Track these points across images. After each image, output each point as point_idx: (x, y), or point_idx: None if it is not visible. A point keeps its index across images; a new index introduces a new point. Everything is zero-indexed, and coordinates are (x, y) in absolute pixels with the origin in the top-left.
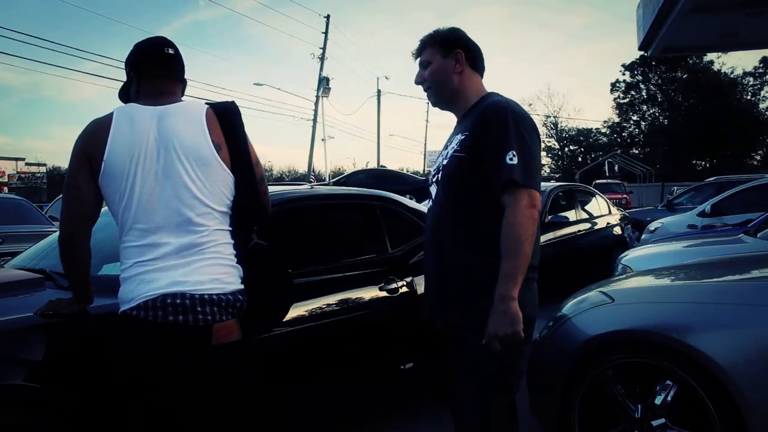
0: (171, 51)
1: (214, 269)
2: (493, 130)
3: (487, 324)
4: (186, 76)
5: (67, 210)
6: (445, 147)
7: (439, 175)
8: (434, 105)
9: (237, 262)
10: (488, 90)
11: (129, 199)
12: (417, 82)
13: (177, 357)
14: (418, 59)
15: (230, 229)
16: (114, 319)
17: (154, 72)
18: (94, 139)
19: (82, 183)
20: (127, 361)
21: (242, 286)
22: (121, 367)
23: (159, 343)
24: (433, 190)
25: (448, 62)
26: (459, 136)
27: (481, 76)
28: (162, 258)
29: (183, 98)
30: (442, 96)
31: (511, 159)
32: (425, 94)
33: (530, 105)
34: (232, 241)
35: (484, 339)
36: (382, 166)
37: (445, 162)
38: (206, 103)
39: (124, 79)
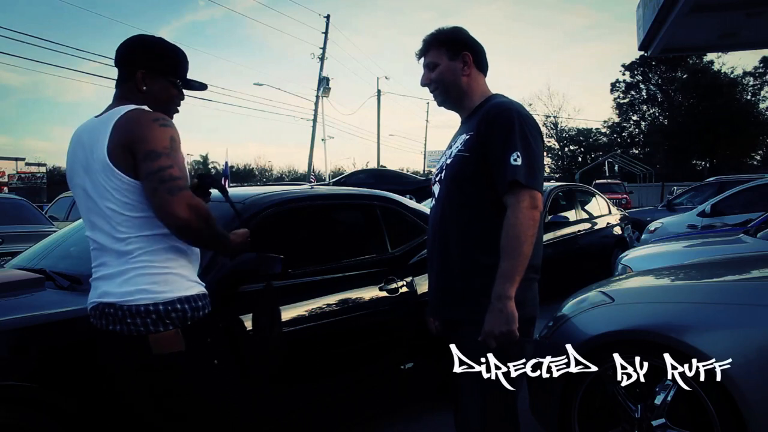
0: (115, 58)
1: (142, 279)
2: (498, 131)
3: (483, 322)
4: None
5: None
6: (449, 147)
7: (443, 174)
8: (440, 105)
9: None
10: (489, 90)
11: (79, 207)
12: (423, 84)
13: (123, 363)
14: (423, 60)
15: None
16: None
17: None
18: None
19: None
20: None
21: (189, 293)
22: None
23: (107, 349)
24: (436, 189)
25: (456, 64)
26: (464, 136)
27: (485, 75)
28: (101, 266)
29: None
30: (450, 97)
31: (515, 160)
32: (431, 94)
33: (530, 105)
34: (172, 245)
35: (479, 336)
36: (382, 166)
37: (449, 161)
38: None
39: None
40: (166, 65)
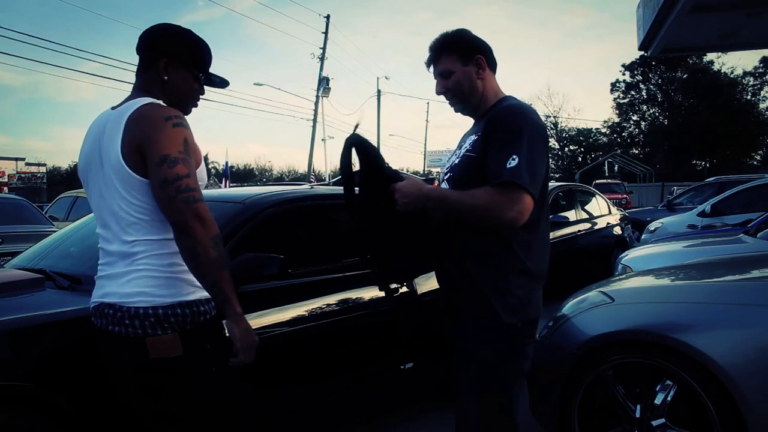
0: (138, 45)
1: (143, 282)
2: (500, 133)
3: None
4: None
5: None
6: (459, 146)
7: (451, 174)
8: (457, 111)
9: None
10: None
11: (90, 202)
12: (439, 93)
13: (120, 364)
14: (434, 68)
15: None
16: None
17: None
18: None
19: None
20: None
21: (190, 298)
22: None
23: (105, 349)
24: (444, 188)
25: (470, 69)
26: (473, 137)
27: (495, 74)
28: (105, 265)
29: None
30: (469, 103)
31: (510, 163)
32: (448, 102)
33: (530, 105)
34: (176, 250)
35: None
36: None
37: (457, 161)
38: (145, 104)
39: (124, 78)
40: (190, 56)
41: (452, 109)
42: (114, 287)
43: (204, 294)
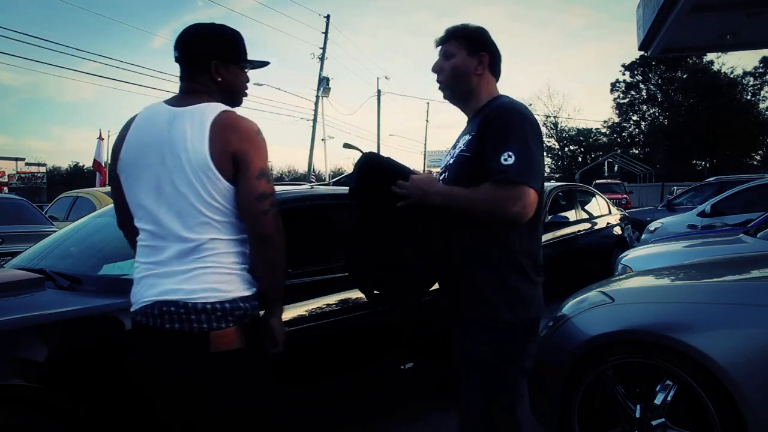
0: (176, 54)
1: (210, 278)
2: (494, 130)
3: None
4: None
5: (114, 202)
6: (454, 146)
7: (446, 174)
8: (446, 99)
9: (249, 270)
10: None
11: (137, 197)
12: (434, 70)
13: (175, 363)
14: (441, 48)
15: (239, 237)
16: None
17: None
18: (120, 134)
19: (112, 176)
20: (133, 364)
21: (248, 293)
22: (130, 368)
23: (158, 349)
24: None
25: (471, 61)
26: (466, 137)
27: (497, 81)
28: (161, 263)
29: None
30: (457, 92)
31: (505, 160)
32: (438, 85)
33: (530, 105)
34: (239, 249)
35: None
36: None
37: (451, 161)
38: (224, 110)
39: (124, 79)
40: (234, 51)
41: (442, 94)
42: (173, 284)
43: (255, 290)
